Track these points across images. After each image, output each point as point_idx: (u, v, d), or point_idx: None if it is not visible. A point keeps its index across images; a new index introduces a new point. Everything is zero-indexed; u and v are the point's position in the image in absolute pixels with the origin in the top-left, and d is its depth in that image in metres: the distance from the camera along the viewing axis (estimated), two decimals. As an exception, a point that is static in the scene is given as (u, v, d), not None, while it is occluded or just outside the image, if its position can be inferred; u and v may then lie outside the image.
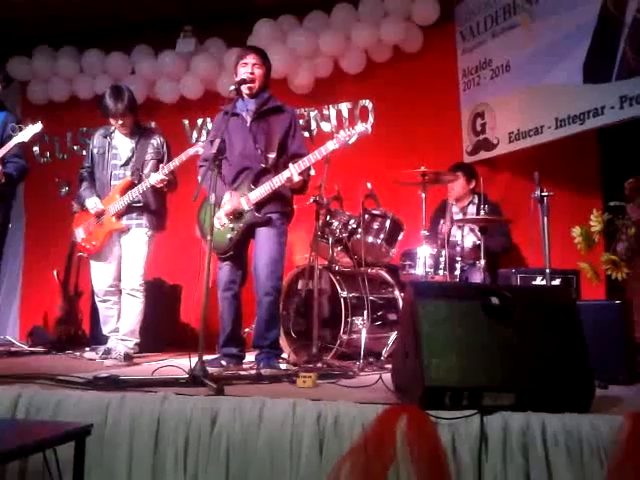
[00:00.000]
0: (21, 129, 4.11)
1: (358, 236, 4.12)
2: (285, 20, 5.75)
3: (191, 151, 3.86)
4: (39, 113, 4.28)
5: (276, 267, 3.62)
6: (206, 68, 5.92)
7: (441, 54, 5.55)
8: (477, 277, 4.29)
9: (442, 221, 4.71)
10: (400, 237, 4.34)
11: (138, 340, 4.03)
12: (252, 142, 3.68)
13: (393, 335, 4.09)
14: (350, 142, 3.57)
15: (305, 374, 2.85)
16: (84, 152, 5.87)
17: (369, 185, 4.30)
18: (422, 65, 5.57)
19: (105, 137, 4.17)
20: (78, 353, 4.36)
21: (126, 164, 4.09)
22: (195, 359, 2.84)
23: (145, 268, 4.06)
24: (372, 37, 5.49)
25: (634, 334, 3.19)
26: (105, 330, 4.18)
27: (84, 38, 6.29)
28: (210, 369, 2.95)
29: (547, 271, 3.64)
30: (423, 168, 4.09)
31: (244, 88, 3.68)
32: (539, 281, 4.01)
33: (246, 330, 4.21)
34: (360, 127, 3.60)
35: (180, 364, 3.20)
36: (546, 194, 3.61)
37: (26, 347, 4.95)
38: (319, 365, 3.44)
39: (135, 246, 4.02)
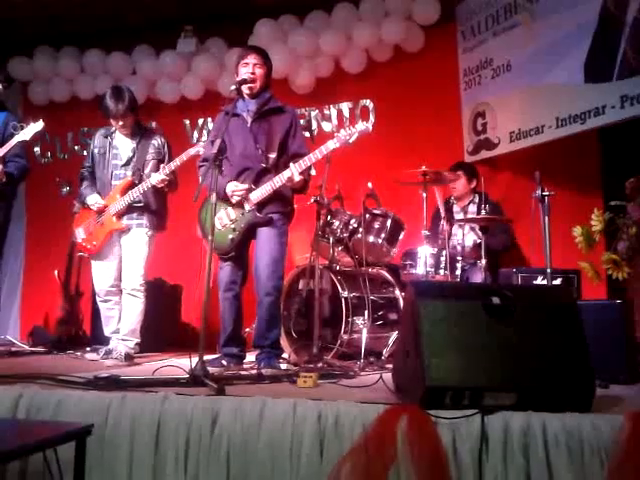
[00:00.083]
0: (22, 128, 4.12)
1: (359, 236, 4.12)
2: (286, 20, 5.75)
3: (192, 151, 3.86)
4: (40, 113, 4.28)
5: (277, 267, 3.62)
6: (207, 68, 5.92)
7: (442, 53, 5.55)
8: (478, 277, 4.29)
9: (442, 221, 4.70)
10: (401, 237, 4.34)
11: (139, 340, 4.04)
12: (253, 142, 3.68)
13: (394, 335, 4.09)
14: (351, 141, 3.57)
15: (306, 374, 2.85)
16: (85, 152, 5.87)
17: (370, 185, 4.29)
18: (423, 64, 5.56)
19: (106, 137, 4.17)
20: (79, 353, 4.36)
21: (127, 164, 4.09)
22: (196, 359, 2.84)
23: (146, 268, 4.06)
24: (373, 37, 5.49)
25: (635, 334, 3.18)
26: (107, 331, 4.18)
27: (85, 38, 6.29)
28: (211, 369, 2.95)
29: (548, 271, 3.64)
30: (424, 168, 4.09)
31: (245, 88, 3.68)
32: (540, 281, 4.01)
33: (247, 330, 4.22)
34: (360, 126, 3.59)
35: (181, 364, 3.20)
36: (547, 193, 3.61)
37: (27, 347, 4.95)
38: (320, 365, 3.44)
39: (135, 246, 4.02)
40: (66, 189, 6.48)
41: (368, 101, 5.78)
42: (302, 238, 4.50)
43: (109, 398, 2.40)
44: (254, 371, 3.38)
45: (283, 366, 3.62)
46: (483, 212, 4.17)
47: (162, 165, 3.96)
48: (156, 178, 3.88)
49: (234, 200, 3.64)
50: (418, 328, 2.26)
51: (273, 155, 3.69)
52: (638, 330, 3.23)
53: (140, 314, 4.04)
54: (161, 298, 5.08)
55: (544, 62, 4.65)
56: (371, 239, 4.19)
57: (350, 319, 3.90)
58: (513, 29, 4.97)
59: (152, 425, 2.29)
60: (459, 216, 4.81)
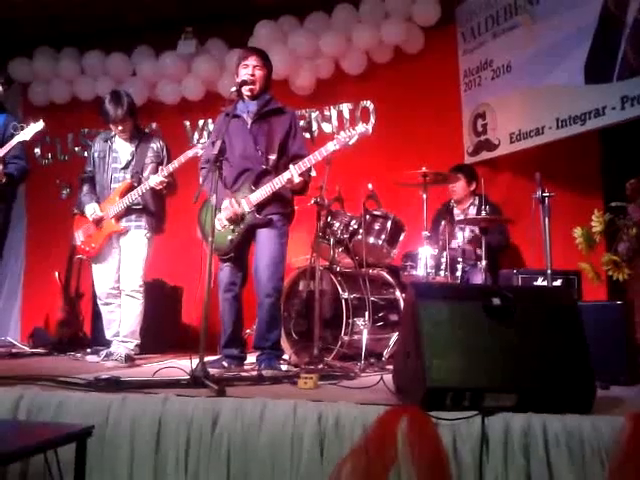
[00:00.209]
0: (23, 128, 4.13)
1: (359, 237, 4.12)
2: (286, 21, 5.76)
3: (190, 153, 3.87)
4: (40, 114, 4.28)
5: (277, 268, 3.62)
6: (207, 69, 5.93)
7: (442, 55, 5.55)
8: (478, 278, 4.29)
9: (443, 222, 4.70)
10: (401, 238, 4.34)
11: (139, 341, 4.04)
12: (253, 143, 3.68)
13: (394, 336, 4.09)
14: (350, 143, 3.57)
15: (306, 375, 2.85)
16: (85, 153, 5.90)
17: (370, 186, 4.30)
18: (423, 66, 5.57)
19: (106, 141, 4.19)
20: (79, 355, 4.36)
21: (126, 167, 4.11)
22: (196, 360, 2.84)
23: (144, 270, 4.07)
24: (373, 38, 5.49)
25: (635, 335, 3.18)
26: (108, 334, 4.18)
27: (85, 39, 6.29)
28: (211, 370, 2.95)
29: (548, 272, 3.64)
30: (424, 169, 4.08)
31: (245, 90, 3.68)
32: (540, 282, 4.00)
33: (247, 331, 4.22)
34: (360, 128, 3.59)
35: (181, 365, 3.20)
36: (547, 195, 3.60)
37: (27, 348, 4.94)
38: (320, 366, 3.44)
39: (134, 248, 4.03)
40: (66, 191, 6.48)
41: (368, 102, 5.78)
42: (302, 239, 4.50)
43: (110, 399, 2.40)
44: (255, 372, 3.39)
45: (283, 367, 3.62)
46: (483, 213, 4.17)
47: (160, 167, 3.98)
48: (154, 180, 3.88)
49: (225, 216, 3.64)
50: (418, 329, 2.26)
51: (273, 156, 3.69)
52: (638, 331, 3.23)
53: (139, 315, 4.04)
54: (161, 299, 5.08)
55: (544, 63, 4.66)
56: (371, 240, 4.19)
57: (350, 320, 3.91)
58: (513, 30, 4.97)
59: (153, 426, 2.29)
60: (459, 219, 4.81)
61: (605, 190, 4.76)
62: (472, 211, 4.86)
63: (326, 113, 5.94)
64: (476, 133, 5.33)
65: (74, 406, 2.40)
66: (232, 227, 3.65)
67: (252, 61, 3.70)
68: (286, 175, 3.54)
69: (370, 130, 3.68)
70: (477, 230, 4.44)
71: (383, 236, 4.22)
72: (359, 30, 5.51)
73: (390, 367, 3.39)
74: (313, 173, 3.90)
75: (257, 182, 3.64)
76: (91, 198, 4.13)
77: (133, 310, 4.02)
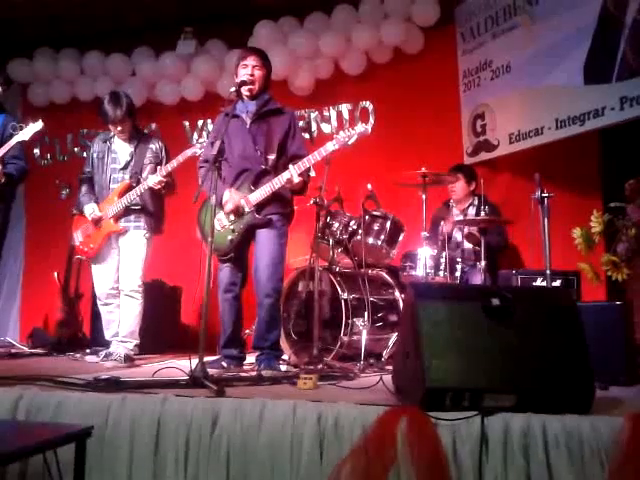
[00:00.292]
0: (22, 128, 4.13)
1: (359, 237, 4.12)
2: (285, 21, 5.76)
3: (189, 152, 3.87)
4: (40, 115, 4.28)
5: (276, 269, 3.62)
6: (206, 70, 5.93)
7: (441, 55, 5.55)
8: (477, 278, 4.29)
9: (442, 222, 4.71)
10: (401, 238, 4.34)
11: (138, 341, 4.04)
12: (252, 144, 3.68)
13: (394, 336, 4.09)
14: (349, 143, 3.57)
15: (306, 375, 2.85)
16: (84, 154, 5.90)
17: (369, 186, 4.30)
18: (422, 66, 5.57)
19: (105, 142, 4.21)
20: (78, 355, 4.36)
21: (125, 168, 4.12)
22: (195, 360, 2.84)
23: (143, 270, 4.07)
24: (372, 38, 5.49)
25: (634, 335, 3.18)
26: (107, 335, 4.18)
27: (84, 40, 6.29)
28: (210, 370, 2.95)
29: (547, 272, 3.64)
30: (423, 169, 4.09)
31: (244, 90, 3.68)
32: (539, 282, 4.00)
33: (246, 332, 4.22)
34: (359, 128, 3.60)
35: (180, 365, 3.20)
36: (546, 195, 3.60)
37: (26, 349, 4.94)
38: (320, 366, 3.44)
39: (133, 248, 4.04)
40: (66, 191, 6.47)
41: (368, 103, 5.78)
42: (302, 240, 4.50)
43: (109, 400, 2.40)
44: (254, 373, 3.39)
45: (283, 368, 3.62)
46: (482, 213, 4.17)
47: (159, 167, 3.99)
48: (153, 180, 3.89)
49: (227, 209, 3.63)
50: (418, 329, 2.26)
51: (272, 156, 3.69)
52: (637, 332, 3.24)
53: (138, 315, 4.05)
54: (161, 300, 5.08)
55: (544, 64, 4.66)
56: (371, 241, 4.19)
57: (350, 321, 3.90)
58: (513, 31, 4.97)
59: (152, 426, 2.29)
60: (458, 219, 4.81)
61: (604, 191, 4.76)
62: (471, 211, 4.86)
63: (325, 113, 5.93)
64: (475, 134, 5.33)
65: (73, 406, 2.40)
66: (232, 227, 3.65)
67: (251, 61, 3.70)
68: (285, 175, 3.54)
69: (369, 130, 3.68)
70: (476, 230, 4.43)
71: (382, 236, 4.22)
72: (358, 30, 5.51)
73: (389, 367, 3.40)
74: (312, 173, 3.91)
75: (256, 182, 3.65)
76: (90, 198, 4.13)
77: (132, 310, 4.02)
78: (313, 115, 5.96)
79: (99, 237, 4.07)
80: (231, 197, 3.61)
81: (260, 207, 3.63)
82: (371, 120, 5.71)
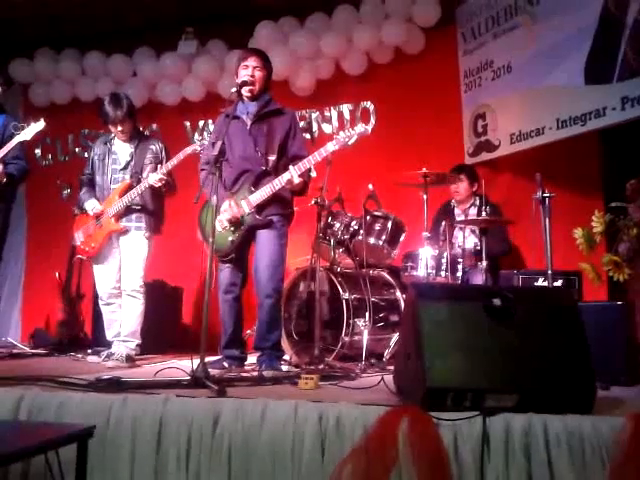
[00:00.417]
0: (23, 128, 4.14)
1: (360, 237, 4.12)
2: (286, 22, 5.76)
3: (189, 150, 3.88)
4: (41, 115, 4.28)
5: (277, 269, 3.62)
6: (207, 70, 5.93)
7: (442, 55, 5.55)
8: (479, 279, 4.28)
9: (443, 222, 4.70)
10: (402, 238, 4.34)
11: (139, 341, 4.05)
12: (252, 144, 3.68)
13: (395, 336, 4.09)
14: (350, 143, 3.57)
15: (307, 376, 2.85)
16: (86, 154, 5.90)
17: (370, 186, 4.30)
18: (423, 66, 5.57)
19: (105, 144, 4.23)
20: (80, 355, 4.37)
21: (125, 168, 4.14)
22: (197, 361, 2.84)
23: (145, 269, 4.08)
24: (373, 39, 5.49)
25: (636, 335, 3.18)
26: (109, 335, 4.19)
27: (85, 40, 6.29)
28: (212, 371, 2.95)
29: (549, 272, 3.64)
30: (424, 169, 4.09)
31: (245, 90, 3.68)
32: (541, 282, 4.00)
33: (248, 332, 4.22)
34: (360, 128, 3.60)
35: (182, 366, 3.21)
36: (548, 195, 3.60)
37: (28, 349, 4.94)
38: (321, 367, 3.44)
39: (134, 248, 4.05)
40: (67, 192, 6.49)
41: (369, 103, 5.78)
42: (302, 240, 4.50)
43: (111, 400, 2.40)
44: (255, 373, 3.39)
45: (284, 368, 3.63)
46: (483, 214, 4.17)
47: (159, 165, 4.01)
48: (154, 178, 3.90)
49: (224, 218, 3.63)
50: (419, 329, 2.26)
51: (273, 157, 3.69)
52: (639, 332, 3.23)
53: (140, 315, 4.05)
54: (162, 300, 5.08)
55: (544, 64, 4.65)
56: (372, 241, 4.19)
57: (351, 321, 3.90)
58: (513, 31, 4.97)
59: (154, 427, 2.29)
60: (460, 219, 4.81)
61: (605, 191, 4.76)
62: (473, 212, 4.86)
63: (326, 114, 5.93)
64: (476, 134, 5.33)
65: (75, 406, 2.41)
66: (232, 228, 3.65)
67: (252, 62, 3.70)
68: (286, 176, 3.54)
69: (369, 130, 3.69)
70: (478, 231, 4.43)
71: (384, 237, 4.22)
72: (359, 31, 5.51)
73: (391, 368, 3.40)
74: (313, 174, 3.91)
75: (257, 183, 3.65)
76: (90, 195, 4.16)
77: (134, 310, 4.03)
78: (314, 115, 5.96)
79: (100, 237, 4.08)
80: (230, 208, 3.61)
81: (260, 208, 3.63)
82: (372, 120, 5.71)
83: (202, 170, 3.85)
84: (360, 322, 3.98)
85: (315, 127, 5.95)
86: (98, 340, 4.65)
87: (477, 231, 4.49)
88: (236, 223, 3.63)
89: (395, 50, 5.60)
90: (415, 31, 5.49)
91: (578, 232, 3.47)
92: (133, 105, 4.20)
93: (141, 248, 4.05)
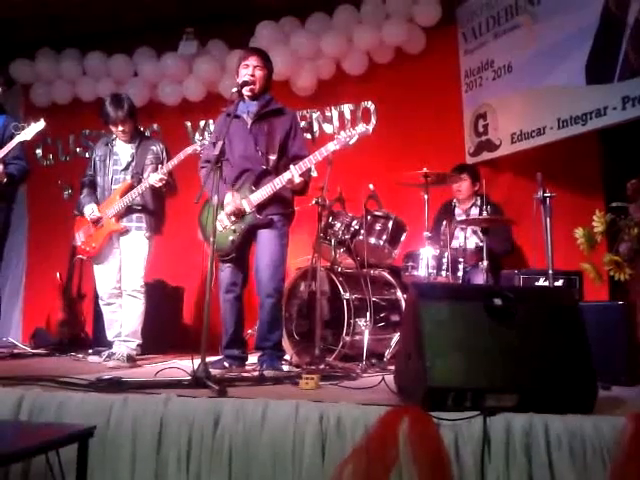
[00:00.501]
0: (24, 128, 4.15)
1: (360, 237, 4.12)
2: (287, 22, 5.76)
3: (189, 149, 3.90)
4: (42, 115, 4.28)
5: (277, 269, 3.62)
6: (208, 70, 5.93)
7: (443, 55, 5.55)
8: (480, 278, 4.28)
9: (444, 222, 4.70)
10: (403, 238, 4.34)
11: (140, 341, 4.05)
12: (253, 144, 3.68)
13: (396, 336, 4.09)
14: (350, 143, 3.57)
15: (308, 376, 2.85)
16: (87, 154, 5.92)
17: (371, 186, 4.30)
18: (424, 66, 5.56)
19: (107, 145, 4.24)
20: (81, 355, 4.37)
21: (126, 168, 4.15)
22: (198, 361, 2.84)
23: (145, 269, 4.09)
24: (374, 39, 5.49)
25: (637, 335, 3.18)
26: (109, 335, 4.20)
27: (86, 40, 6.29)
28: (213, 371, 2.95)
29: (550, 272, 3.63)
30: (425, 169, 4.08)
31: (245, 90, 3.68)
32: (542, 282, 4.00)
33: (248, 332, 4.22)
34: (360, 127, 3.60)
35: (183, 366, 3.21)
36: (548, 195, 3.60)
37: (29, 349, 4.94)
38: (322, 367, 3.44)
39: (135, 248, 4.05)
40: (68, 192, 6.48)
41: (369, 103, 5.78)
42: (303, 240, 4.50)
43: (111, 400, 2.40)
44: (256, 373, 3.39)
45: (285, 368, 3.63)
46: (485, 213, 4.17)
47: (160, 165, 4.02)
48: (154, 177, 3.91)
49: (227, 211, 3.63)
50: (420, 329, 2.26)
51: (273, 157, 3.69)
52: (640, 331, 3.23)
53: (141, 315, 4.06)
54: (163, 300, 5.08)
55: (545, 64, 4.65)
56: (373, 241, 4.18)
57: (352, 321, 3.90)
58: (514, 30, 4.96)
59: (154, 427, 2.29)
60: (461, 219, 4.80)
61: (606, 190, 4.75)
62: (474, 211, 4.85)
63: (327, 114, 5.93)
64: (477, 133, 5.33)
65: (76, 406, 2.41)
66: (233, 228, 3.65)
67: (252, 61, 3.70)
68: (286, 175, 3.54)
69: (370, 130, 3.69)
70: (479, 231, 4.43)
71: (384, 236, 4.22)
72: (360, 31, 5.51)
73: (391, 367, 3.39)
74: (314, 173, 3.91)
75: (257, 182, 3.65)
76: (90, 199, 4.16)
77: (135, 310, 4.03)
78: (315, 115, 5.96)
79: (100, 237, 4.09)
80: (233, 200, 3.61)
81: (261, 207, 3.63)
82: (373, 120, 5.71)
83: (202, 168, 3.85)
84: (361, 322, 3.98)
85: (316, 127, 5.95)
86: (99, 340, 4.65)
87: (479, 231, 4.48)
88: (238, 215, 3.62)
89: (396, 50, 5.60)
90: (416, 31, 5.49)
91: (579, 232, 3.48)
92: (134, 105, 4.21)
93: (142, 248, 4.05)
